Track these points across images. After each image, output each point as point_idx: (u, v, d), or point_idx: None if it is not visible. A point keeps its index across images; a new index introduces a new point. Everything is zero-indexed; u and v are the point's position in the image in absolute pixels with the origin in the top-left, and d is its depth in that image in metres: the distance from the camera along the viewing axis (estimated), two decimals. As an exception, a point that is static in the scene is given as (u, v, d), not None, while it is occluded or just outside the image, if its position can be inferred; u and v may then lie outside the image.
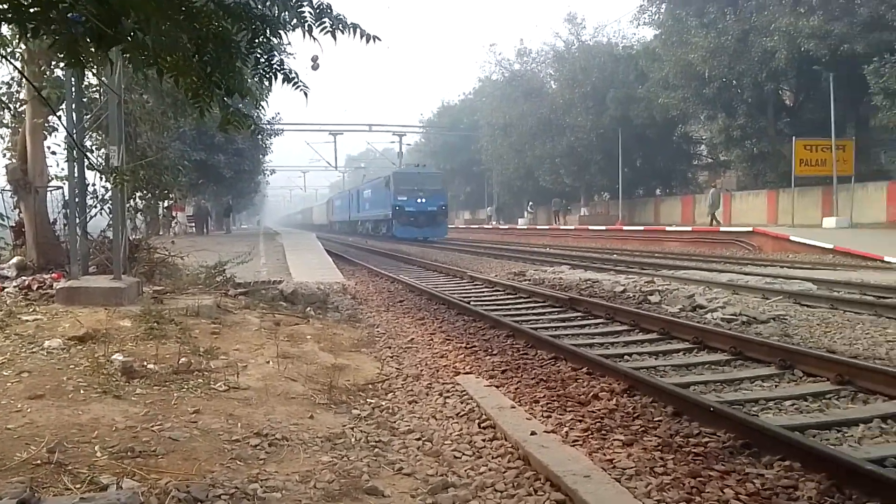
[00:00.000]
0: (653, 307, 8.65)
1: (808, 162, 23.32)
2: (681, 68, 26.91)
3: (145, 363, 4.86)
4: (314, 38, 3.37)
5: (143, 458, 3.28)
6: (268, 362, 5.40)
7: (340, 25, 3.31)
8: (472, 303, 9.50)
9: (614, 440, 3.84)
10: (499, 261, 18.20)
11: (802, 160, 23.29)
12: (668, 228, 27.11)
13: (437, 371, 5.66)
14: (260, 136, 29.53)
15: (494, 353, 6.36)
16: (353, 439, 3.89)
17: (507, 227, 42.52)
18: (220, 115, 3.57)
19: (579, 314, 8.46)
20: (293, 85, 3.61)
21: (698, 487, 3.17)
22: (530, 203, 44.99)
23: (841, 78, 22.15)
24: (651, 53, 30.57)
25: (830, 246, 17.19)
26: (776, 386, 4.96)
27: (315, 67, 6.44)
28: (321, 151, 52.75)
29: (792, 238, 19.36)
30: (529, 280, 12.34)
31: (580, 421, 4.21)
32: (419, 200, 32.91)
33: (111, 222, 8.22)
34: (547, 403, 4.63)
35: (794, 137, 23.65)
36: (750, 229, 22.29)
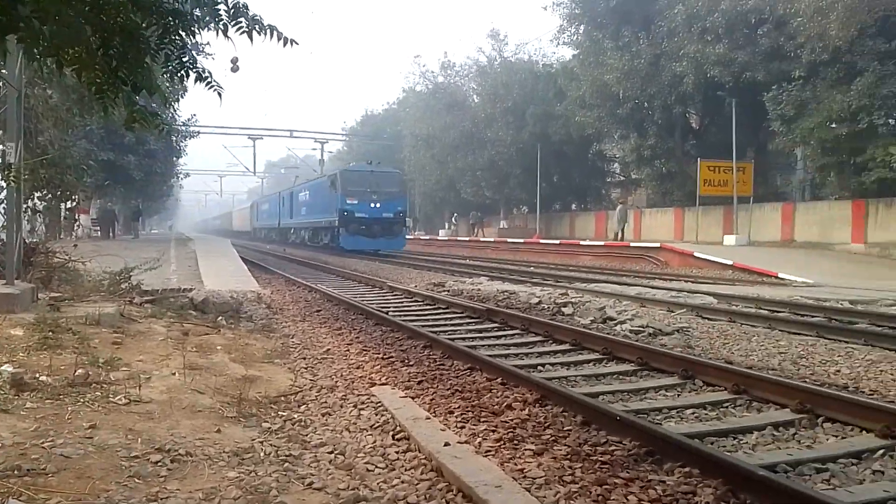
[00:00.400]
0: (566, 319, 8.87)
1: (711, 182, 24.66)
2: (597, 88, 27.92)
3: (38, 375, 4.55)
4: (228, 38, 3.28)
5: (32, 477, 3.06)
6: (173, 374, 5.18)
7: (257, 27, 3.24)
8: (390, 313, 9.46)
9: (526, 450, 3.89)
10: (419, 271, 18.23)
11: (706, 180, 24.61)
12: (582, 242, 27.97)
13: (353, 382, 5.59)
14: (174, 138, 28.47)
15: (411, 363, 6.35)
16: (262, 454, 3.77)
17: (427, 237, 42.66)
18: (126, 113, 3.41)
19: (496, 325, 8.58)
20: (206, 85, 3.50)
21: (604, 495, 3.26)
22: (455, 215, 45.30)
23: (743, 104, 23.56)
24: (569, 72, 31.57)
25: (730, 262, 18.18)
26: (679, 395, 5.18)
27: (235, 69, 6.27)
28: (240, 156, 51.41)
29: (696, 254, 20.37)
30: (448, 291, 12.42)
31: (493, 431, 4.25)
32: (373, 205, 27.26)
33: (5, 223, 7.70)
34: (461, 414, 4.65)
35: (699, 158, 24.96)
36: (658, 245, 23.31)
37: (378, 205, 27.40)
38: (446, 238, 40.95)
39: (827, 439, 4.12)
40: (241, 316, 8.74)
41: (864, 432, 4.12)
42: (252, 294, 10.52)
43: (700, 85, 24.54)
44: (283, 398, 5.02)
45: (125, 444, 3.61)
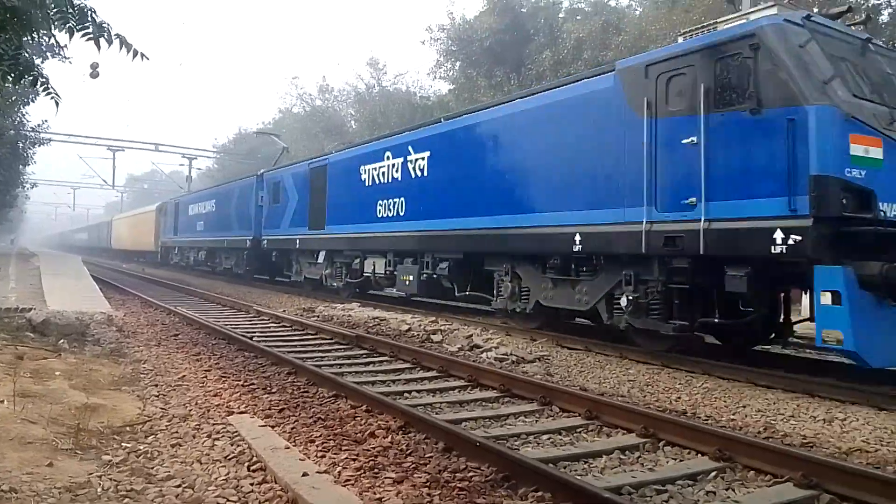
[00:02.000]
0: (435, 346, 8.97)
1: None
2: (471, 124, 28.76)
3: None
4: (61, 45, 3.07)
5: None
6: (1, 401, 4.68)
7: (105, 35, 3.06)
8: (254, 338, 9.12)
9: (386, 478, 3.87)
10: (289, 296, 17.74)
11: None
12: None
13: (209, 411, 5.31)
14: (20, 143, 26.13)
15: (273, 391, 6.14)
16: (99, 489, 3.49)
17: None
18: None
19: (365, 351, 8.52)
20: (43, 90, 3.25)
21: (460, 521, 3.30)
22: None
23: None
24: (445, 106, 32.34)
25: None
26: (537, 421, 5.37)
27: (94, 75, 5.90)
28: (97, 168, 47.80)
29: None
30: (318, 316, 12.17)
31: (354, 459, 4.18)
32: None
33: None
34: (323, 442, 4.55)
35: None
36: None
37: None
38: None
39: (667, 462, 4.42)
40: (87, 339, 8.08)
41: (699, 455, 4.46)
42: (101, 316, 9.77)
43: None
44: (128, 428, 4.68)
45: (-66, 482, 3.21)
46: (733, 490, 3.91)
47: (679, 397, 6.30)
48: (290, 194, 18.89)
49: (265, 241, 20.44)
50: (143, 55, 3.27)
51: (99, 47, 3.09)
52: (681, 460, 4.44)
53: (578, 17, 28.49)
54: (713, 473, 4.11)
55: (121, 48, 3.15)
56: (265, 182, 20.94)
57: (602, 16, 26.94)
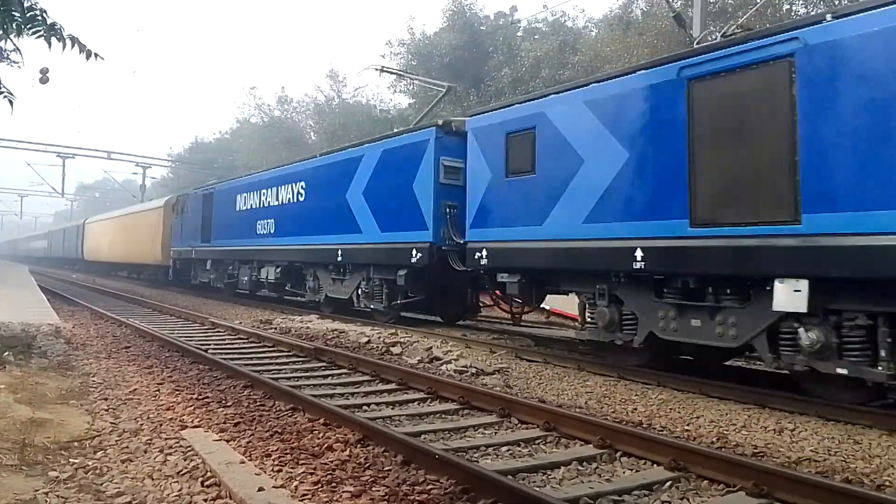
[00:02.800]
0: (394, 358, 8.92)
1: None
2: (432, 138, 28.94)
3: None
4: (7, 47, 2.99)
5: None
6: (-60, 417, 4.48)
7: (57, 34, 2.99)
8: (209, 351, 8.93)
9: (344, 492, 3.82)
10: (246, 308, 17.44)
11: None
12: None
13: (161, 425, 5.17)
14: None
15: (229, 404, 6.02)
16: (45, 506, 3.36)
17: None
18: None
19: (323, 364, 8.42)
20: (-6, 91, 3.15)
21: (419, 534, 3.28)
22: None
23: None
24: (405, 121, 32.44)
25: (548, 307, 19.40)
26: (496, 433, 5.38)
27: (44, 80, 5.76)
28: (46, 175, 46.36)
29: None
30: (276, 329, 12.00)
31: (312, 473, 4.12)
32: None
33: None
34: (280, 457, 4.47)
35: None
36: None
37: None
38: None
39: (624, 472, 4.47)
40: (33, 352, 7.81)
41: (655, 465, 4.53)
42: (49, 327, 9.46)
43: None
44: (76, 443, 4.53)
45: None
46: (688, 499, 3.98)
47: (635, 409, 6.39)
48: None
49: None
50: (97, 55, 3.20)
51: (50, 45, 3.02)
52: (637, 471, 4.50)
53: (536, 37, 29.02)
54: (668, 483, 4.18)
55: (72, 47, 3.07)
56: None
57: (559, 36, 27.51)
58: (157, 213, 26.62)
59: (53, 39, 2.93)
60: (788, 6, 19.65)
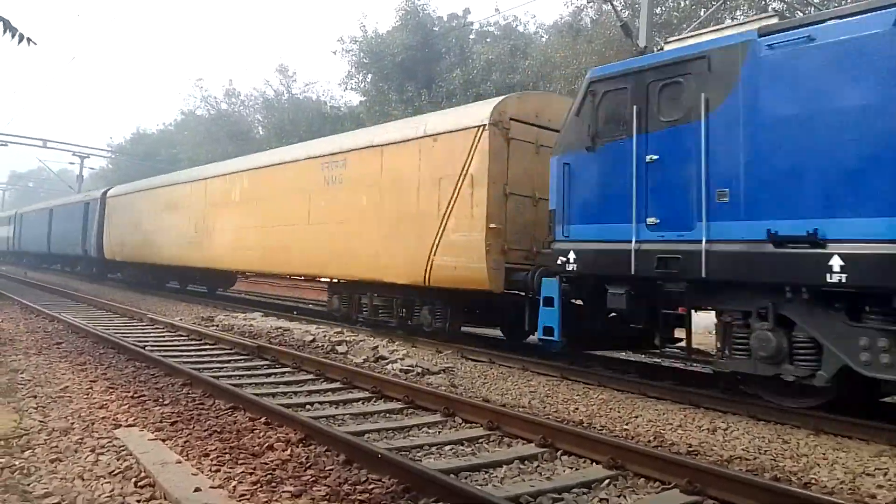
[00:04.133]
0: (339, 357, 8.84)
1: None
2: (381, 137, 28.81)
3: None
4: None
5: None
6: None
7: (-12, 19, 2.85)
8: (147, 347, 8.67)
9: (284, 492, 3.76)
10: (187, 304, 16.99)
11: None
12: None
13: (93, 424, 4.99)
14: None
15: (166, 402, 5.86)
16: (-35, 508, 3.20)
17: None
18: None
19: (266, 362, 8.29)
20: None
21: (360, 533, 3.26)
22: None
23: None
24: (356, 118, 32.20)
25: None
26: (440, 432, 5.39)
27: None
28: (-25, 163, 44.15)
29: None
30: (218, 326, 11.73)
31: (251, 473, 4.05)
32: None
33: None
34: (218, 456, 4.37)
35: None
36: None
37: None
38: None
39: (564, 471, 4.55)
40: (-44, 347, 7.42)
41: (594, 464, 4.61)
42: (-26, 322, 9.01)
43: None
44: (2, 442, 4.34)
45: None
46: (624, 497, 4.07)
47: (577, 408, 6.50)
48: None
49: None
50: (29, 40, 3.06)
51: (-22, 30, 2.87)
52: (577, 469, 4.58)
53: (488, 40, 29.28)
54: (606, 481, 4.27)
55: (4, 32, 2.93)
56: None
57: (510, 40, 27.79)
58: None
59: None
60: (731, 20, 20.37)
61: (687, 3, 20.42)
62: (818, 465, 4.84)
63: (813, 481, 4.43)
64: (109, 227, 23.60)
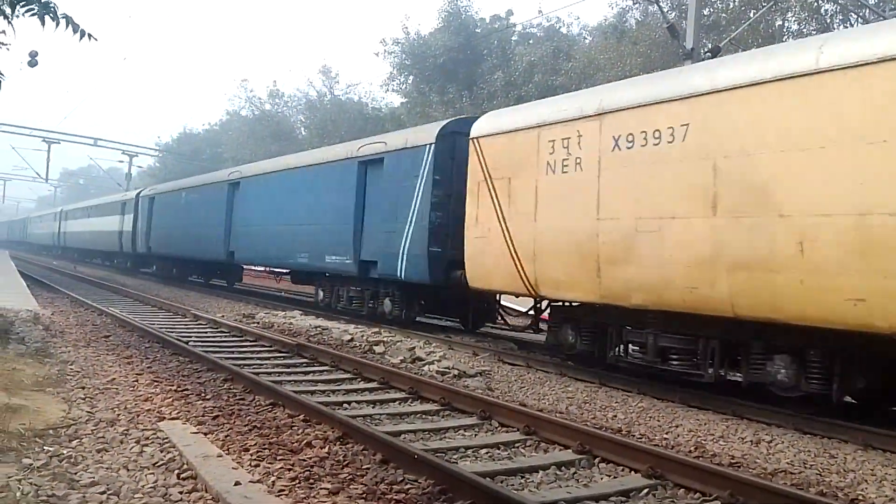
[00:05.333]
0: (377, 357, 8.90)
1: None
2: (422, 138, 28.93)
3: None
4: (8, 20, 2.94)
5: None
6: (-88, 400, 4.41)
7: (50, 13, 2.94)
8: (190, 343, 8.86)
9: (321, 489, 3.80)
10: (229, 301, 17.32)
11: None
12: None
13: (138, 416, 5.12)
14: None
15: (208, 397, 5.98)
16: (18, 493, 3.32)
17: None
18: None
19: (305, 360, 8.39)
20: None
21: (396, 533, 3.27)
22: None
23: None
24: (397, 119, 32.38)
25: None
26: (476, 435, 5.38)
27: (33, 63, 5.68)
28: (31, 160, 45.80)
29: (502, 302, 21.48)
30: (258, 323, 11.92)
31: (289, 469, 4.10)
32: None
33: None
34: (257, 451, 4.44)
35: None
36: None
37: None
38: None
39: (602, 478, 4.49)
40: (10, 337, 7.70)
41: (633, 472, 4.54)
42: (28, 313, 9.35)
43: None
44: (51, 431, 4.47)
45: None
46: (664, 507, 4.00)
47: (615, 415, 6.42)
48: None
49: None
50: (90, 35, 3.16)
51: (43, 24, 2.96)
52: (615, 477, 4.51)
53: (530, 41, 29.08)
54: (645, 490, 4.20)
55: (67, 27, 3.03)
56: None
57: (553, 42, 27.57)
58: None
59: (47, 18, 2.89)
60: (781, 22, 19.87)
61: (736, 3, 19.99)
62: (866, 481, 4.68)
63: (860, 498, 4.29)
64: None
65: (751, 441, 5.63)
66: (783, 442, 5.60)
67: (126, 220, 27.35)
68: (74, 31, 3.06)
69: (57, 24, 2.98)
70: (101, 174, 53.43)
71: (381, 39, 41.74)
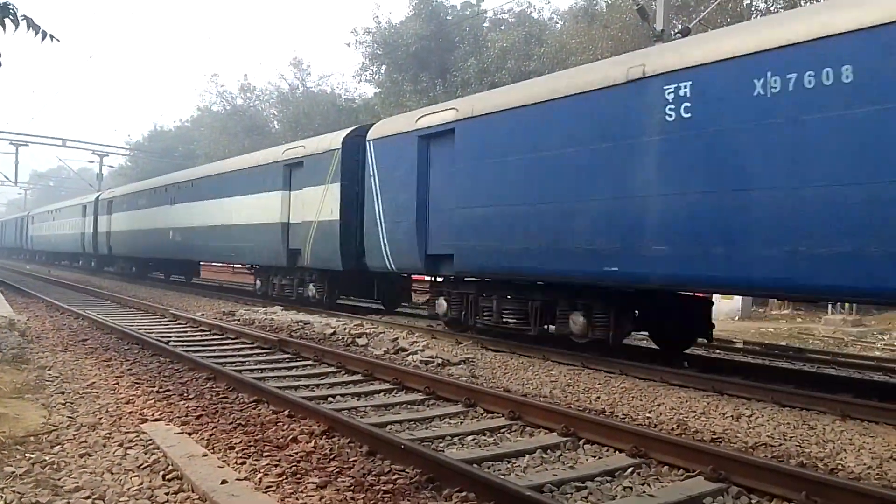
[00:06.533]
0: (360, 349, 8.89)
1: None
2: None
3: None
4: None
5: None
6: None
7: (11, 15, 2.87)
8: (170, 343, 8.78)
9: (309, 483, 3.80)
10: (209, 300, 17.17)
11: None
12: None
13: (120, 419, 5.07)
14: None
15: (191, 397, 5.93)
16: (1, 502, 3.27)
17: (221, 264, 40.37)
18: None
19: (288, 356, 8.35)
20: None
21: (385, 524, 3.28)
22: None
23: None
24: (370, 109, 32.17)
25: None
26: (461, 422, 5.41)
27: (-6, 64, 5.54)
28: (-2, 164, 44.79)
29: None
30: (239, 320, 11.84)
31: (276, 465, 4.09)
32: None
33: None
34: (243, 449, 4.42)
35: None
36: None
37: None
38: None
39: (587, 460, 4.54)
40: (-15, 345, 7.56)
41: (617, 452, 4.60)
42: (3, 320, 9.18)
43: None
44: (32, 438, 4.42)
45: None
46: (648, 485, 4.06)
47: (598, 397, 6.49)
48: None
49: None
50: (52, 37, 3.09)
51: (4, 28, 2.89)
52: (600, 458, 4.57)
53: (502, 28, 29.05)
54: (630, 469, 4.26)
55: (28, 29, 2.96)
56: None
57: (525, 27, 27.55)
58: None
59: (7, 21, 2.82)
60: (749, 1, 20.03)
61: (704, -16, 20.09)
62: (845, 450, 4.79)
63: (840, 467, 4.39)
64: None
65: (731, 416, 5.73)
66: (763, 416, 5.70)
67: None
68: (36, 33, 2.99)
69: (17, 27, 2.91)
70: (71, 175, 52.43)
71: (352, 29, 41.52)
